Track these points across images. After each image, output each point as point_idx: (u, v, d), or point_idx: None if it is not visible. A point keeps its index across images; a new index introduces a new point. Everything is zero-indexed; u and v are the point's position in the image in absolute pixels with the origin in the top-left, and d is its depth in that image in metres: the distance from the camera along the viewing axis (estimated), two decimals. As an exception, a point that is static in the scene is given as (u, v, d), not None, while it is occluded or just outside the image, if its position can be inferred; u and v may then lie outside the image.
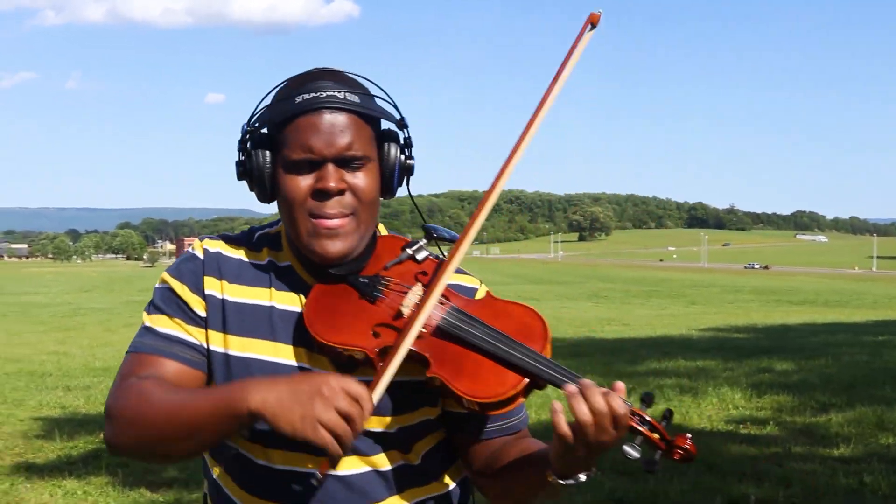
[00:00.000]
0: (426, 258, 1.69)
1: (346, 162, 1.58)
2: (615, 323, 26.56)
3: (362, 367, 1.59)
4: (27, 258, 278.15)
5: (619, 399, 1.44)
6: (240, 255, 1.71)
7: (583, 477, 1.51)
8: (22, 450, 7.91)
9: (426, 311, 1.56)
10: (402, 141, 1.69)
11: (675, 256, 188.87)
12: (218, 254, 1.70)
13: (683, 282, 67.62)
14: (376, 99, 1.65)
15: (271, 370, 1.60)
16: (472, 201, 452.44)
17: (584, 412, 1.43)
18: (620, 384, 1.47)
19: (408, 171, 1.70)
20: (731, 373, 11.99)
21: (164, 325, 1.65)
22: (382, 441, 1.64)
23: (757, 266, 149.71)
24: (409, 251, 1.68)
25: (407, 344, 1.53)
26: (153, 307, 1.68)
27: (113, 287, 76.74)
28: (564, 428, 1.44)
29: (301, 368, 1.62)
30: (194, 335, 1.65)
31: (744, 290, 52.58)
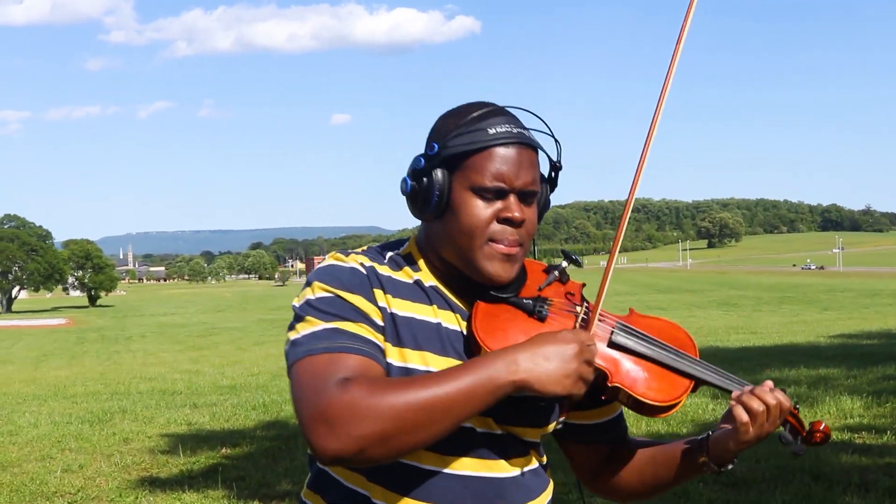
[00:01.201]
0: (568, 279, 1.81)
1: (525, 196, 1.68)
2: (743, 331, 26.13)
3: None
4: (165, 280, 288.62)
5: (783, 394, 1.70)
6: (388, 272, 1.72)
7: (731, 466, 1.76)
8: (148, 465, 8.32)
9: (597, 324, 1.72)
10: (549, 180, 1.82)
11: (808, 261, 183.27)
12: (373, 268, 1.70)
13: (817, 287, 65.72)
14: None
15: None
16: (598, 211, 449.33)
17: (758, 406, 1.67)
18: (769, 382, 1.72)
19: (548, 208, 1.84)
20: (854, 380, 11.68)
21: (352, 328, 1.60)
22: (535, 446, 1.80)
23: (813, 267, 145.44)
24: (556, 273, 1.79)
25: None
26: (326, 314, 1.61)
27: (245, 306, 78.95)
28: (745, 417, 1.68)
29: None
30: (378, 339, 1.63)
31: (882, 293, 50.82)
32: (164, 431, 10.30)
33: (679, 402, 1.71)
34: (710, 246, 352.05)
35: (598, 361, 1.66)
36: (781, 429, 1.74)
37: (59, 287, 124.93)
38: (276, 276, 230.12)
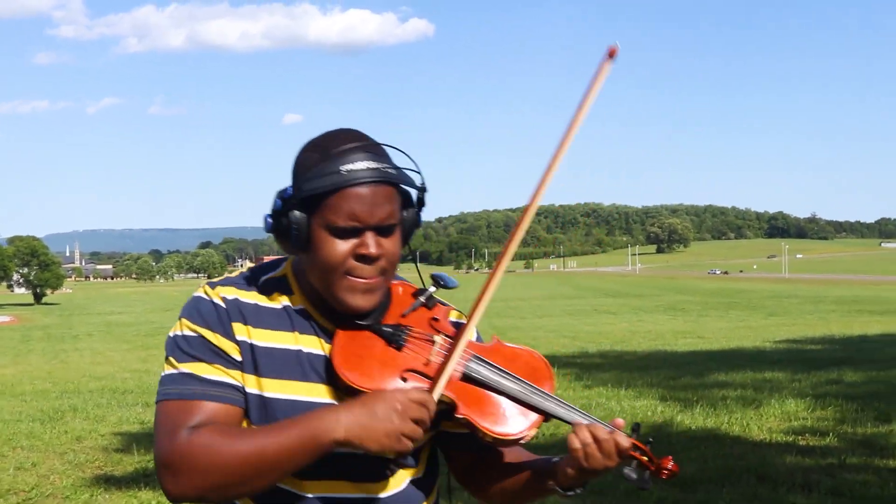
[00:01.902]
0: (435, 304, 1.86)
1: (382, 230, 1.71)
2: (690, 336, 26.44)
3: None
4: (112, 278, 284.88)
5: (622, 435, 1.74)
6: (255, 299, 1.79)
7: (579, 490, 1.79)
8: (102, 463, 8.31)
9: (454, 360, 1.74)
10: (415, 201, 1.83)
11: (755, 267, 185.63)
12: (236, 300, 1.77)
13: (763, 293, 66.62)
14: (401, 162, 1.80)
15: (306, 409, 1.69)
16: (549, 215, 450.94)
17: (587, 438, 1.74)
18: (620, 421, 1.76)
19: (416, 226, 1.85)
20: (798, 384, 11.98)
21: (205, 371, 1.71)
22: (411, 456, 1.83)
23: (718, 272, 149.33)
24: (422, 299, 1.83)
25: (440, 388, 1.71)
26: (185, 355, 1.73)
27: (194, 306, 77.82)
28: (576, 444, 1.74)
29: (329, 405, 1.73)
30: (235, 378, 1.72)
31: (826, 300, 51.62)
32: (117, 430, 10.28)
33: (525, 436, 1.76)
34: (660, 251, 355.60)
35: (447, 393, 1.72)
36: (628, 467, 1.76)
37: (4, 284, 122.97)
38: (225, 276, 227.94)
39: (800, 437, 8.28)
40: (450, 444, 1.92)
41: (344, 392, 1.73)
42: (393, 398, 1.62)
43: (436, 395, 1.69)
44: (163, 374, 1.75)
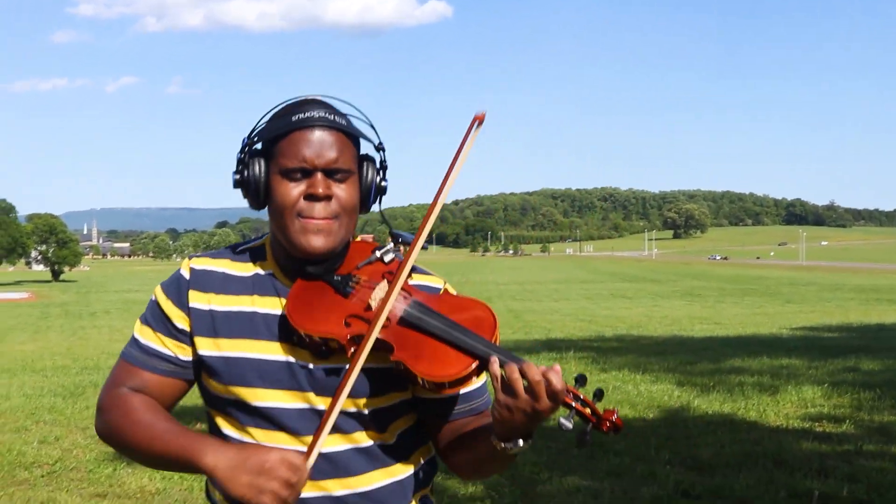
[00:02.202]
0: (393, 260, 1.92)
1: (332, 173, 1.83)
2: (706, 322, 26.41)
3: (337, 355, 1.84)
4: (129, 257, 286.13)
5: (555, 375, 1.66)
6: (224, 268, 1.96)
7: (521, 443, 1.73)
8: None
9: (390, 303, 1.80)
10: (378, 164, 1.94)
11: (772, 254, 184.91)
12: (204, 270, 1.95)
13: (780, 280, 66.38)
14: (359, 125, 1.93)
15: (258, 365, 1.85)
16: (565, 199, 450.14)
17: (514, 375, 1.67)
18: (557, 366, 1.68)
19: (381, 191, 1.95)
20: (815, 371, 11.97)
21: (148, 337, 1.94)
22: (360, 421, 1.88)
23: (718, 258, 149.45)
24: (378, 253, 1.91)
25: (375, 332, 1.77)
26: (144, 318, 1.97)
27: (211, 285, 78.09)
28: (500, 395, 1.69)
29: (285, 362, 1.86)
30: (171, 348, 1.92)
31: (844, 288, 51.41)
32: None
33: (458, 379, 1.74)
34: (676, 237, 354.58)
35: (384, 337, 1.78)
36: (564, 416, 1.70)
37: (22, 261, 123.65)
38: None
39: (816, 424, 8.30)
40: (426, 413, 1.96)
41: (297, 341, 1.85)
42: (266, 456, 1.70)
43: (372, 337, 1.76)
44: None
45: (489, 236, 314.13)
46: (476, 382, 1.93)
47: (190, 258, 1.98)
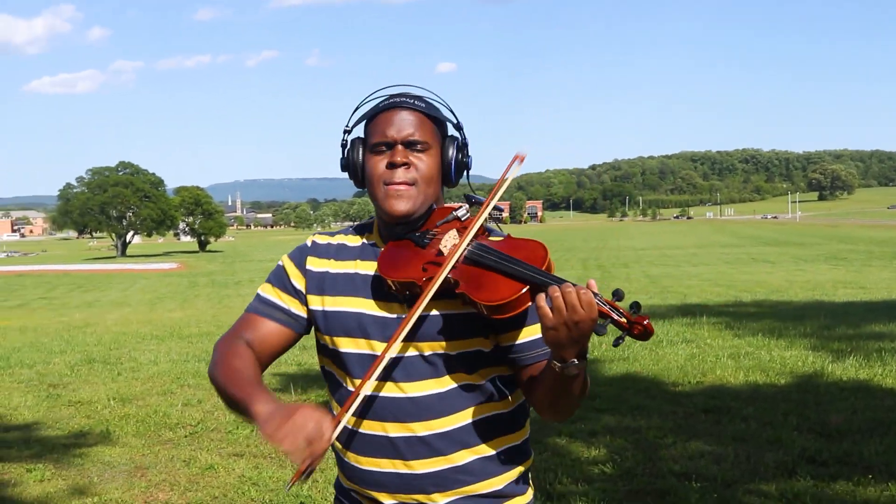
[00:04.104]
0: (467, 218, 2.15)
1: (410, 145, 2.11)
2: (850, 286, 25.62)
3: (446, 301, 2.06)
4: (271, 227, 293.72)
5: (585, 289, 1.85)
6: (341, 241, 2.28)
7: (576, 362, 1.89)
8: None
9: (461, 248, 2.04)
10: (459, 143, 2.20)
11: (768, 215, 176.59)
12: (327, 244, 2.28)
13: (933, 242, 63.47)
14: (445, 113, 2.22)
15: (350, 316, 2.14)
16: (705, 161, 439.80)
17: (554, 291, 1.85)
18: (592, 280, 1.88)
19: (464, 166, 2.23)
20: (962, 338, 11.51)
21: (268, 292, 2.26)
22: (447, 363, 2.09)
23: (769, 216, 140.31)
24: (455, 213, 2.14)
25: (444, 272, 2.01)
26: (268, 279, 2.29)
27: (350, 253, 79.38)
28: (543, 306, 1.85)
29: (367, 315, 2.13)
30: (286, 301, 2.23)
31: None
32: (275, 370, 10.77)
33: (509, 301, 1.93)
34: (822, 199, 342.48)
35: (451, 276, 2.01)
36: (599, 324, 1.85)
37: (171, 232, 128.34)
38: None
39: (957, 391, 8.02)
40: (506, 361, 2.14)
41: (387, 290, 2.10)
42: (297, 412, 1.84)
43: (442, 275, 2.00)
44: None
45: (627, 201, 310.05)
46: (533, 334, 2.10)
47: (314, 234, 2.33)
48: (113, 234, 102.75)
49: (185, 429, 7.65)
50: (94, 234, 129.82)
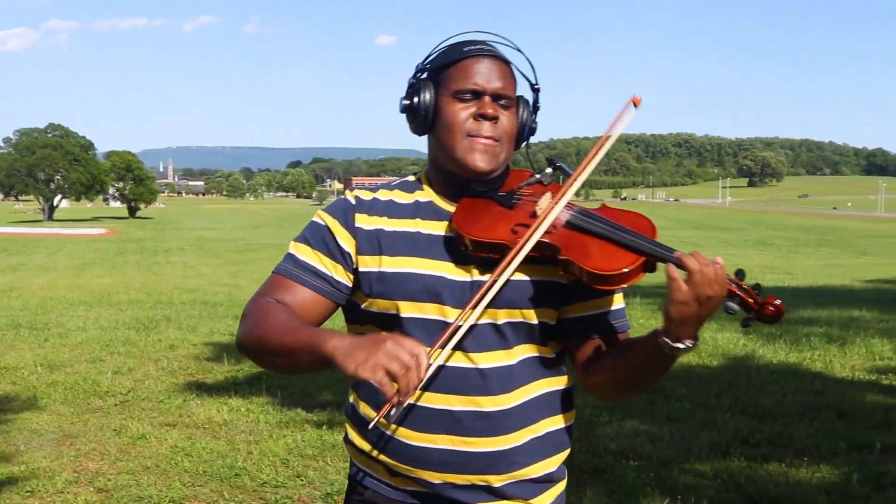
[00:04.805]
0: (550, 182, 2.05)
1: (498, 98, 1.95)
2: (778, 271, 26.15)
3: (529, 266, 1.91)
4: (203, 195, 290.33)
5: (719, 260, 1.76)
6: (389, 197, 2.06)
7: (689, 343, 1.79)
8: (194, 370, 8.65)
9: (558, 207, 1.91)
10: (531, 105, 2.07)
11: (849, 205, 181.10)
12: (373, 199, 2.05)
13: (856, 232, 65.15)
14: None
15: (417, 279, 1.93)
16: (639, 144, 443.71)
17: (694, 264, 1.74)
18: (718, 258, 1.77)
19: (531, 131, 2.08)
20: (886, 324, 11.78)
21: (306, 254, 2.01)
22: (519, 333, 1.96)
23: (671, 199, 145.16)
24: (538, 176, 2.03)
25: (539, 232, 1.88)
26: (301, 237, 2.04)
27: (283, 224, 79.28)
28: (678, 279, 1.75)
29: (448, 278, 1.93)
30: (327, 266, 1.99)
31: (921, 241, 50.31)
32: (208, 340, 10.65)
33: (624, 272, 1.81)
34: (751, 185, 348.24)
35: (551, 241, 1.88)
36: (730, 301, 1.78)
37: (100, 197, 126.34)
38: (313, 195, 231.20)
39: (883, 377, 8.19)
40: (571, 334, 2.04)
41: (463, 249, 1.93)
42: (387, 339, 1.69)
43: (535, 237, 1.87)
44: None
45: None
46: (619, 302, 2.07)
47: (352, 190, 2.08)
48: (40, 198, 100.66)
49: (115, 397, 7.50)
50: (19, 196, 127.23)
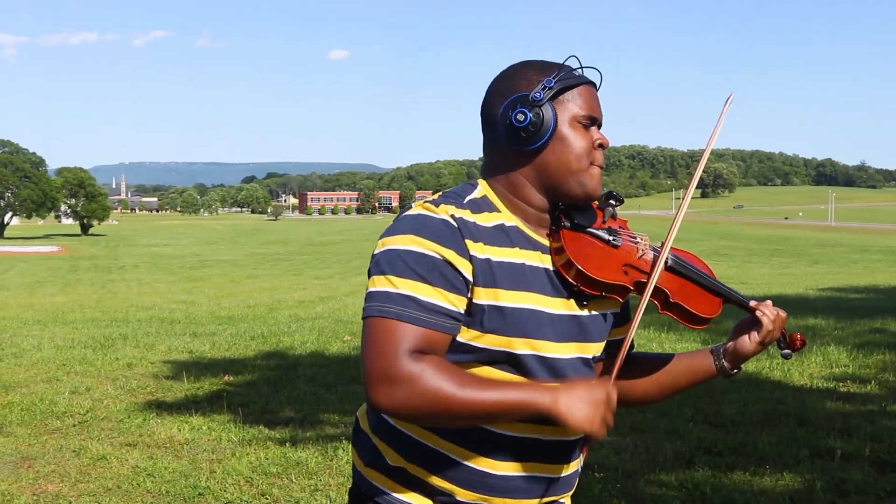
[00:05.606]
0: (615, 215, 2.09)
1: (600, 128, 1.98)
2: (732, 281, 26.33)
3: (595, 302, 1.96)
4: (157, 211, 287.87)
5: (782, 311, 2.07)
6: (475, 219, 1.85)
7: (736, 372, 2.08)
8: (153, 389, 8.55)
9: (664, 254, 1.98)
10: None
11: (800, 214, 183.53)
12: (462, 219, 1.82)
13: (808, 241, 66.04)
14: None
15: (536, 317, 1.84)
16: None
17: (770, 317, 2.04)
18: (769, 301, 2.07)
19: None
20: (841, 332, 11.93)
21: (428, 294, 1.75)
22: (596, 362, 2.07)
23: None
24: (611, 210, 2.06)
25: (655, 279, 1.95)
26: (410, 273, 1.75)
27: (238, 240, 78.82)
28: (767, 321, 2.02)
29: (547, 313, 1.87)
30: (454, 303, 1.77)
31: (872, 249, 51.19)
32: (166, 358, 10.53)
33: (714, 315, 2.02)
34: (704, 196, 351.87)
35: (659, 284, 1.96)
36: (780, 347, 2.13)
37: (52, 214, 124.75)
38: (268, 211, 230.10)
39: (841, 384, 8.30)
40: (609, 352, 2.10)
41: (576, 287, 1.90)
42: (598, 389, 1.76)
43: (652, 285, 1.94)
44: (375, 288, 1.77)
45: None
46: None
47: (436, 204, 1.84)
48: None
49: (73, 418, 7.38)
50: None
